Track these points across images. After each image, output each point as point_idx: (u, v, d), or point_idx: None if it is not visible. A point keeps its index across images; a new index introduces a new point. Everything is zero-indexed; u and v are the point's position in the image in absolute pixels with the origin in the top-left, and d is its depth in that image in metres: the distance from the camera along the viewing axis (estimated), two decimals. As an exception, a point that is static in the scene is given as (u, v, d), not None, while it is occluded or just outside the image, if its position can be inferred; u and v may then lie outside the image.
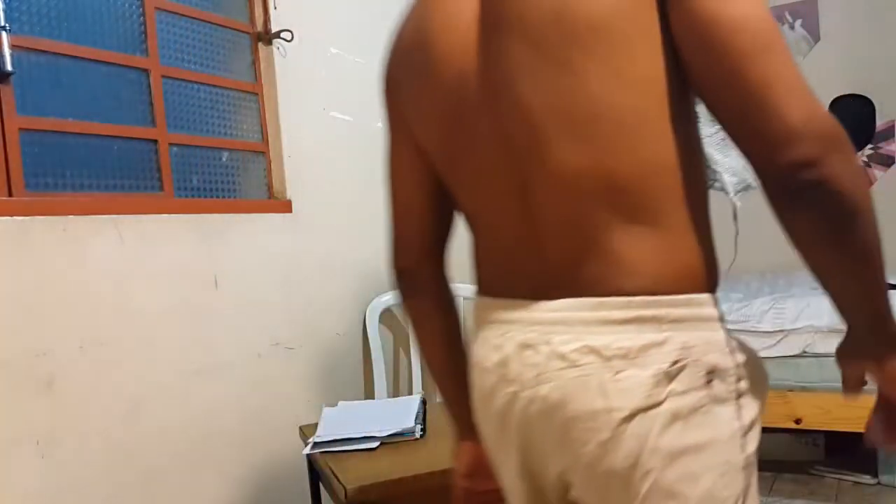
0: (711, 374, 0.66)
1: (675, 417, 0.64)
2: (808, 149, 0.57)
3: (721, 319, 0.69)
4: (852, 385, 0.71)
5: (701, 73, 0.63)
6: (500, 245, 0.79)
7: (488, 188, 0.77)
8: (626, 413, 0.64)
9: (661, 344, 0.65)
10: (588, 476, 0.68)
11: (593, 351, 0.66)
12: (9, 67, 1.36)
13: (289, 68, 1.96)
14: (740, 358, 0.68)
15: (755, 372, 0.69)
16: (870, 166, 3.06)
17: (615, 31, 0.64)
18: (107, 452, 1.46)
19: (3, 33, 1.35)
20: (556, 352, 0.68)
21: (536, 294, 0.71)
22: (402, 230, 0.95)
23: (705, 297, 0.68)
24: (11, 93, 1.39)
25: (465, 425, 0.91)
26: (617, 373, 0.65)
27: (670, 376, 0.64)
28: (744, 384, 0.67)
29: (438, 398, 2.26)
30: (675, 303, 0.66)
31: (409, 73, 0.82)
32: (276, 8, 1.93)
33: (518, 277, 0.76)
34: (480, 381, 0.79)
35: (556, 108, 0.67)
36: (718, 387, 0.66)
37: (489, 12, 0.71)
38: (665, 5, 0.63)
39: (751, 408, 0.68)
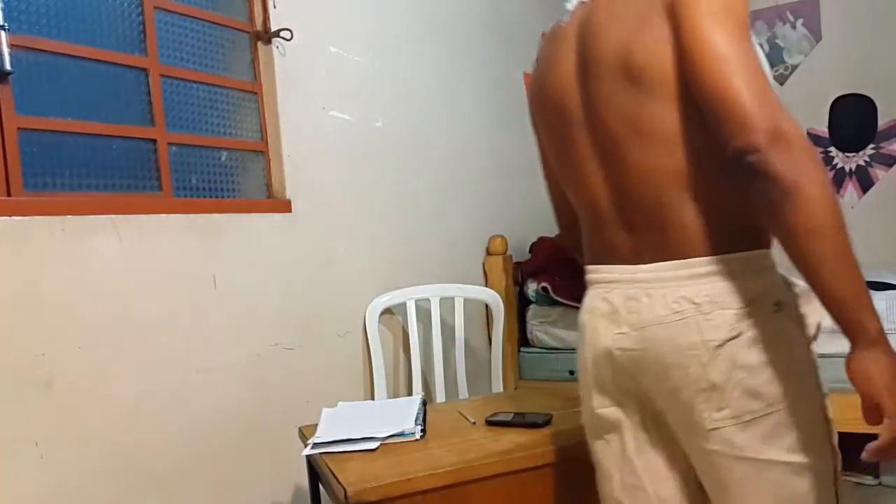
0: (778, 305, 0.91)
1: (755, 341, 0.89)
2: (753, 141, 0.79)
3: (775, 267, 0.95)
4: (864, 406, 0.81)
5: (692, 86, 0.87)
6: (600, 225, 1.05)
7: (587, 183, 1.04)
8: (718, 342, 0.90)
9: (735, 290, 0.91)
10: (694, 392, 0.92)
11: (687, 300, 0.92)
12: (8, 67, 1.35)
13: (288, 68, 1.96)
14: (797, 290, 0.94)
15: (809, 298, 0.92)
16: (871, 166, 3.05)
17: (655, 70, 0.91)
18: (106, 453, 1.46)
19: (3, 33, 1.35)
20: (660, 302, 0.94)
21: (632, 260, 0.99)
22: (559, 218, 1.25)
23: (760, 252, 0.94)
24: (10, 92, 1.39)
25: None
26: (707, 314, 0.91)
27: (746, 313, 0.90)
28: (804, 308, 0.93)
29: (440, 397, 2.25)
30: (738, 259, 0.92)
31: (537, 101, 1.14)
32: (275, 7, 1.93)
33: (616, 249, 1.02)
34: (591, 324, 1.04)
35: (626, 124, 0.96)
36: (785, 314, 0.92)
37: (580, 59, 1.01)
38: (677, 46, 0.88)
39: (812, 324, 0.94)
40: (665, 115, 0.92)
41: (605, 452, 1.08)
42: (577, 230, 1.16)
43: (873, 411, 0.79)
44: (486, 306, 2.52)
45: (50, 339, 1.38)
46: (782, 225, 0.78)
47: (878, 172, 3.04)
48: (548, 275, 2.79)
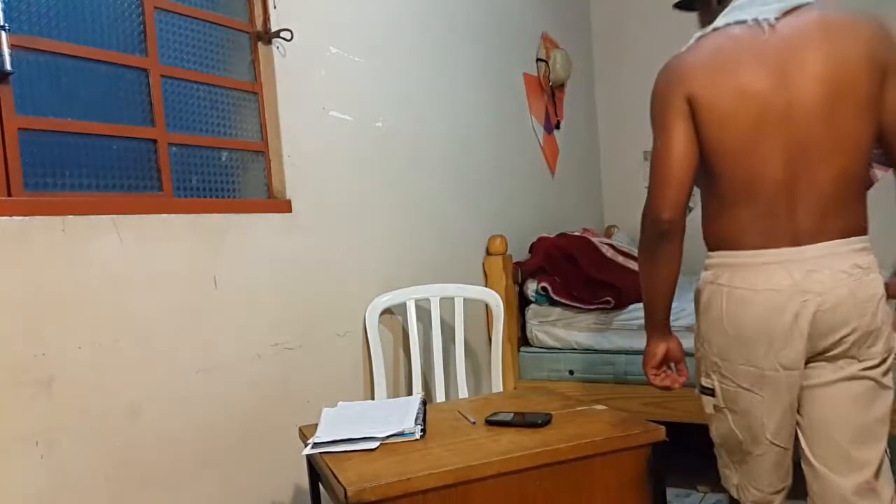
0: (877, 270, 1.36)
1: (884, 296, 1.33)
2: None
3: None
4: None
5: (887, 127, 1.32)
6: (771, 212, 1.33)
7: (772, 174, 1.32)
8: (879, 296, 1.32)
9: (873, 258, 1.34)
10: (863, 333, 1.31)
11: (858, 266, 1.31)
12: (8, 67, 1.35)
13: (288, 68, 1.96)
14: None
15: None
16: (871, 166, 3.05)
17: (867, 99, 1.28)
18: (106, 453, 1.46)
19: (3, 33, 1.35)
20: (839, 269, 1.30)
21: (799, 242, 1.31)
22: (673, 193, 1.38)
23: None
24: (11, 92, 1.39)
25: (667, 330, 1.52)
26: (870, 276, 1.32)
27: (880, 274, 1.33)
28: None
29: (440, 397, 2.26)
30: (868, 238, 1.35)
31: (718, 94, 1.32)
32: (275, 7, 1.93)
33: (783, 235, 1.32)
34: (773, 297, 1.31)
35: (832, 134, 1.29)
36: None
37: (792, 73, 1.28)
38: (882, 89, 1.28)
39: None
40: (864, 133, 1.30)
41: (761, 401, 1.36)
42: (679, 209, 1.38)
43: None
44: (486, 306, 2.52)
45: (50, 339, 1.38)
46: None
47: (878, 172, 3.04)
48: (548, 275, 2.79)
